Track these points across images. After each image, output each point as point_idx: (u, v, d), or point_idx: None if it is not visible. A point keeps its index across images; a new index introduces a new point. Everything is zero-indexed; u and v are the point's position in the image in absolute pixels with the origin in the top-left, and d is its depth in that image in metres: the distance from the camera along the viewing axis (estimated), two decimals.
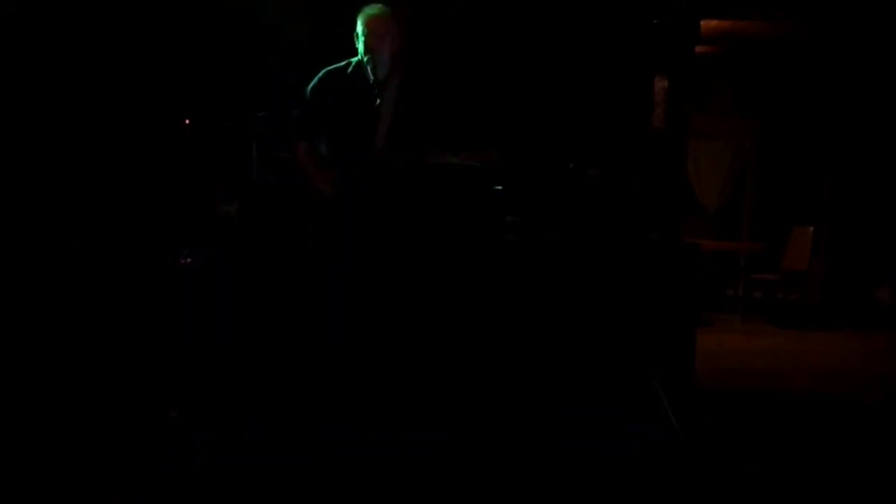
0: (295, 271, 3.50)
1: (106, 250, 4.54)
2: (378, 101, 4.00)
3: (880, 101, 9.00)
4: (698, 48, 6.94)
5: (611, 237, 4.33)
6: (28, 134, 4.32)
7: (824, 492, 3.54)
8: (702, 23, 6.76)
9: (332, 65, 4.17)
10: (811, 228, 8.89)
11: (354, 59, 4.07)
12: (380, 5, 4.06)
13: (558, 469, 3.54)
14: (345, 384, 3.44)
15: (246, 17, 5.67)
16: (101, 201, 4.69)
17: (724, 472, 3.67)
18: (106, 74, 4.74)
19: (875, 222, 9.36)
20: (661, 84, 6.48)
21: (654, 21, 6.20)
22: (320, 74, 4.10)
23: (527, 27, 6.36)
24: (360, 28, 4.03)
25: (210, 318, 3.38)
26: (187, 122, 5.12)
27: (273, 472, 3.35)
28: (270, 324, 3.40)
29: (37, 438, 3.55)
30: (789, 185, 9.86)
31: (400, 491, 3.25)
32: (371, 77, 4.02)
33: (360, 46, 4.03)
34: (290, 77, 4.71)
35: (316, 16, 6.12)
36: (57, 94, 4.47)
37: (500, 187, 3.71)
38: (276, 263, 3.54)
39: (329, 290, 3.43)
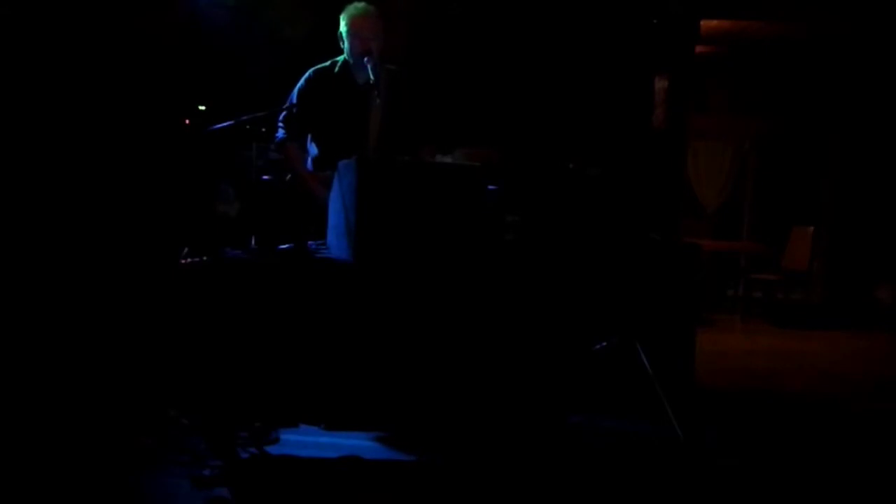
0: (293, 273, 3.49)
1: (107, 251, 4.54)
2: (366, 101, 3.97)
3: (881, 100, 9.00)
4: (698, 48, 6.94)
5: (611, 237, 4.33)
6: (29, 134, 4.32)
7: (824, 492, 3.54)
8: (702, 23, 6.76)
9: (319, 64, 4.14)
10: (811, 228, 8.90)
11: (340, 59, 4.04)
12: (364, 4, 3.99)
13: (559, 469, 3.54)
14: (343, 388, 3.43)
15: (246, 17, 5.67)
16: (101, 202, 4.68)
17: (723, 472, 3.66)
18: (105, 74, 4.73)
19: (875, 222, 9.36)
20: (661, 84, 6.49)
21: (654, 21, 6.20)
22: (307, 75, 4.07)
23: (527, 27, 6.36)
24: (343, 28, 3.97)
25: (209, 318, 3.37)
26: (187, 122, 5.11)
27: (273, 473, 3.35)
28: (269, 325, 3.39)
29: (37, 439, 3.55)
30: (789, 185, 9.87)
31: (400, 494, 3.26)
32: (357, 77, 3.99)
33: (345, 47, 3.98)
34: (290, 77, 4.70)
35: (316, 16, 6.12)
36: (57, 94, 4.46)
37: (499, 187, 3.71)
38: (274, 264, 3.53)
39: (318, 296, 3.41)
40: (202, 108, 5.07)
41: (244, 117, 3.68)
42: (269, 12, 5.85)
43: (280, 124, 4.10)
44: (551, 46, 6.48)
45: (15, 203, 4.24)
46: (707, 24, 7.03)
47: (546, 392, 3.65)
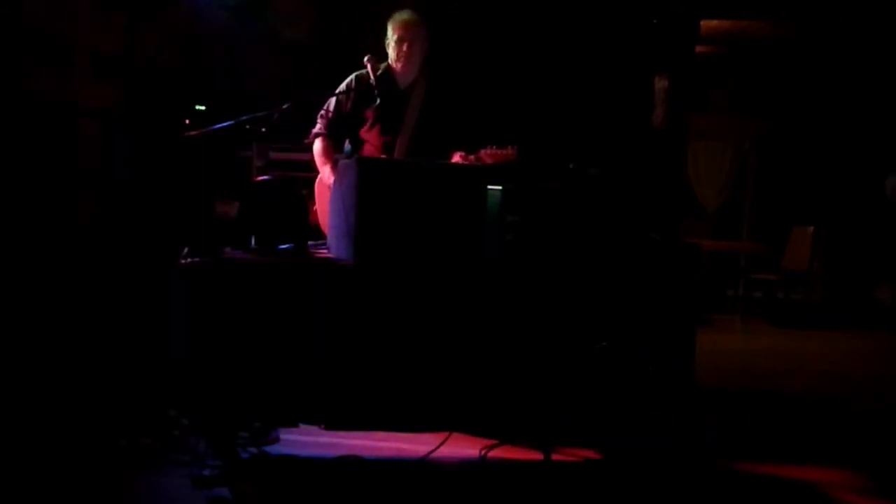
0: (293, 273, 3.49)
1: (108, 251, 4.54)
2: (404, 104, 4.04)
3: (881, 100, 9.00)
4: (698, 48, 6.94)
5: (611, 237, 4.33)
6: (31, 134, 4.32)
7: (823, 493, 3.54)
8: (702, 23, 6.76)
9: (335, 65, 4.18)
10: (811, 228, 8.89)
11: (383, 64, 4.10)
12: (409, 11, 4.11)
13: (557, 469, 3.55)
14: (343, 388, 3.43)
15: (246, 17, 5.66)
16: (103, 203, 4.69)
17: (722, 473, 3.67)
18: (106, 74, 4.74)
19: (875, 222, 9.36)
20: (661, 84, 6.48)
21: (654, 21, 6.19)
22: (349, 78, 4.14)
23: (526, 27, 6.36)
24: (389, 33, 4.07)
25: (209, 318, 3.37)
26: (187, 122, 5.11)
27: (273, 473, 3.35)
28: (269, 325, 3.39)
29: (37, 439, 3.55)
30: (789, 185, 9.87)
31: (400, 494, 3.26)
32: (398, 82, 4.07)
33: (391, 52, 4.06)
34: (290, 77, 4.70)
35: (316, 16, 6.11)
36: (58, 95, 4.47)
37: (500, 187, 3.71)
38: (274, 264, 3.53)
39: (317, 296, 3.40)
40: (201, 108, 5.06)
41: (244, 117, 3.68)
42: (270, 12, 5.85)
43: (319, 120, 4.15)
44: (550, 46, 6.48)
45: (16, 203, 4.24)
46: (707, 24, 7.03)
47: (546, 392, 3.65)
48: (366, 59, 4.07)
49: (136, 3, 4.87)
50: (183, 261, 3.41)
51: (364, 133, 4.11)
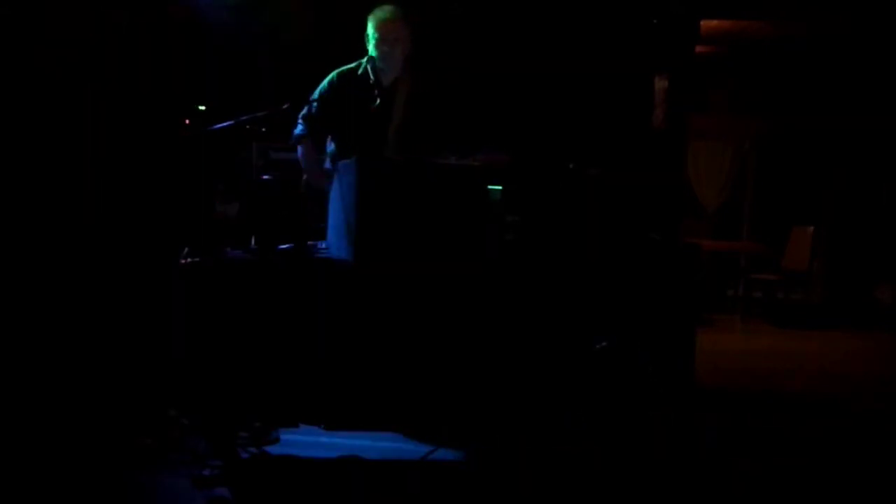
0: (293, 273, 3.49)
1: (106, 251, 4.54)
2: (388, 103, 4.00)
3: (881, 100, 9.00)
4: (698, 48, 6.94)
5: (611, 237, 4.33)
6: (33, 134, 4.32)
7: (823, 493, 3.54)
8: (702, 23, 6.77)
9: (335, 65, 4.15)
10: (811, 228, 8.89)
11: (364, 60, 4.06)
12: (391, 7, 4.01)
13: (555, 469, 3.54)
14: (343, 388, 3.43)
15: (246, 17, 5.66)
16: (102, 202, 4.68)
17: (722, 473, 3.66)
18: (106, 74, 4.74)
19: (875, 222, 9.37)
20: (661, 84, 6.49)
21: (654, 21, 6.20)
22: (330, 76, 4.09)
23: (527, 28, 6.36)
24: (370, 31, 4.01)
25: (209, 318, 3.37)
26: (187, 122, 5.11)
27: (273, 473, 3.35)
28: (269, 325, 3.39)
29: (37, 439, 3.55)
30: (789, 185, 9.88)
31: (400, 494, 3.26)
32: (381, 80, 4.02)
33: (372, 50, 4.01)
34: (290, 77, 4.69)
35: (316, 16, 6.12)
36: (59, 95, 4.47)
37: (500, 187, 3.71)
38: (274, 264, 3.53)
39: (317, 296, 3.40)
40: (202, 108, 5.06)
41: (244, 117, 3.68)
42: (270, 12, 5.85)
43: (300, 120, 4.12)
44: (551, 47, 6.48)
45: (17, 203, 4.24)
46: (707, 24, 7.03)
47: (546, 392, 3.65)
48: (366, 58, 4.06)
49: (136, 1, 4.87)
50: (183, 261, 3.41)
51: (348, 132, 4.06)
